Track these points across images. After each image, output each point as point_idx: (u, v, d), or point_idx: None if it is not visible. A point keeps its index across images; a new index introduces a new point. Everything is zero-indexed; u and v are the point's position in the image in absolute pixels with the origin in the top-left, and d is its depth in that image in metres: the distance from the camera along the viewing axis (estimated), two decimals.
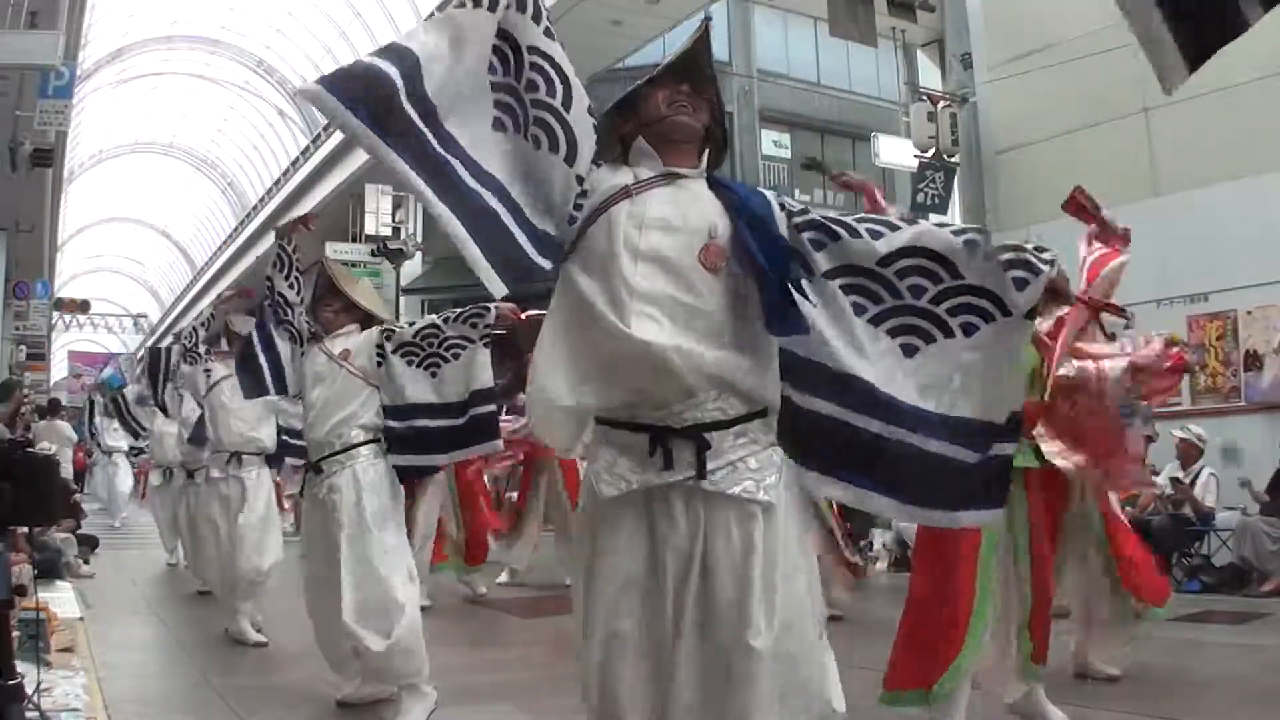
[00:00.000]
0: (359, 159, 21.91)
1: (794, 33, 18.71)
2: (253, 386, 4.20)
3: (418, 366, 3.95)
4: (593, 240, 1.96)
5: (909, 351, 1.97)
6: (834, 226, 1.98)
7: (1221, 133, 9.23)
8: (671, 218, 1.95)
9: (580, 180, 1.94)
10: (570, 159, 1.93)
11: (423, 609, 4.25)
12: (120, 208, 39.57)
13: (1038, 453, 3.77)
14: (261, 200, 30.44)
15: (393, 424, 3.99)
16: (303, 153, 26.71)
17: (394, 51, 1.82)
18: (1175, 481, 7.92)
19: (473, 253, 1.81)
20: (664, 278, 1.90)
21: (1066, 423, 3.88)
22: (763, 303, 1.90)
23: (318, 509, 3.99)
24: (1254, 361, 9.06)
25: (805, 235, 1.98)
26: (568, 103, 1.93)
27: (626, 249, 1.92)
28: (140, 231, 43.03)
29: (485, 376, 3.93)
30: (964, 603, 3.27)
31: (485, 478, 8.11)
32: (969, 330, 1.95)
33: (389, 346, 3.97)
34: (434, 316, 4.07)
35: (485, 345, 3.95)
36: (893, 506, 2.00)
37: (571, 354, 1.94)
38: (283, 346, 4.10)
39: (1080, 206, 4.45)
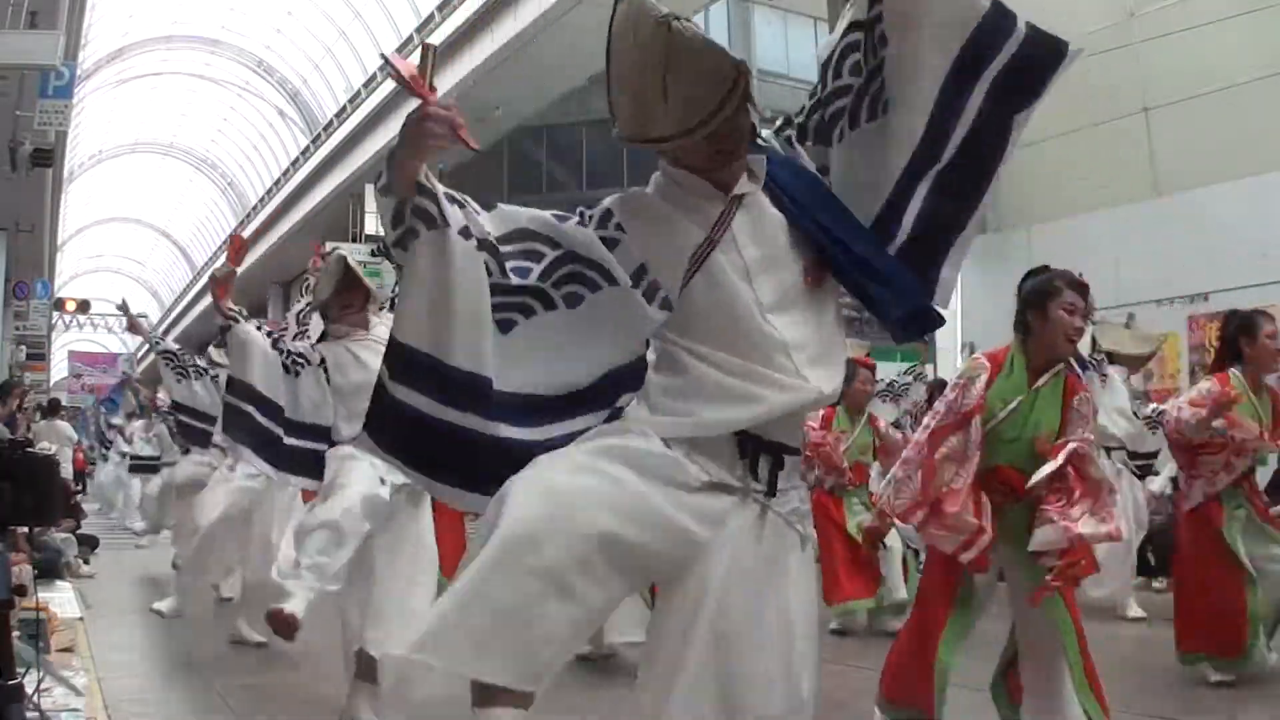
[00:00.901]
0: (359, 158, 21.93)
1: (794, 33, 18.72)
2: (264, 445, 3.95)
3: None
4: (693, 304, 1.83)
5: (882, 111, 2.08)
6: (824, 116, 2.17)
7: (1221, 133, 9.21)
8: (767, 253, 1.86)
9: (637, 284, 1.82)
10: (612, 279, 1.82)
11: None
12: (120, 208, 39.55)
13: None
14: (261, 200, 30.46)
15: None
16: (303, 153, 26.74)
17: (488, 410, 1.79)
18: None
19: None
20: (799, 321, 1.85)
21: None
22: (881, 310, 1.93)
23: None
24: None
25: (819, 133, 2.14)
26: (563, 250, 1.82)
27: (756, 309, 1.82)
28: (140, 231, 43.01)
29: None
30: (932, 634, 3.19)
31: None
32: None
33: None
34: None
35: None
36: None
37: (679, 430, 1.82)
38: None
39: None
